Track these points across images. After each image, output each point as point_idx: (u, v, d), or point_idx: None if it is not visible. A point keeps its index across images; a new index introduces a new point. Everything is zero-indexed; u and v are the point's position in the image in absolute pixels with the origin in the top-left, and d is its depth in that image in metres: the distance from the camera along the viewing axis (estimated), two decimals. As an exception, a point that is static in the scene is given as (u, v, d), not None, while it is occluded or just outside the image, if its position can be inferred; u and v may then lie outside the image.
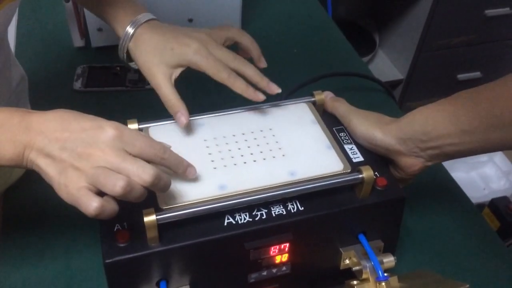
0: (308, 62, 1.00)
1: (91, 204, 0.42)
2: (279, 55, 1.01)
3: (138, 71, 0.96)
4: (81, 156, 0.42)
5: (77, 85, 0.90)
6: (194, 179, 0.51)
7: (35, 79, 0.90)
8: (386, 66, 1.69)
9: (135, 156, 0.44)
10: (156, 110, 0.59)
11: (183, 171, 0.49)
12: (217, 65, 0.56)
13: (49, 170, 0.43)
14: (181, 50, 0.57)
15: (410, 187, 0.75)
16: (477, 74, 1.69)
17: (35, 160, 0.43)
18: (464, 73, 1.68)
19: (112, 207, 0.43)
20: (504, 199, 1.38)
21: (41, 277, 0.62)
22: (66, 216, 0.67)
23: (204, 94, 0.84)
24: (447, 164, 0.83)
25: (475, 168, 1.69)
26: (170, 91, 0.57)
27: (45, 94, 0.88)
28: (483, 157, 1.70)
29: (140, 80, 0.92)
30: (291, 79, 0.82)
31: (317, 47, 1.05)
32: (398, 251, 0.66)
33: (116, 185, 0.41)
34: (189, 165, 0.50)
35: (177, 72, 0.59)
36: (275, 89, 0.58)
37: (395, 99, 0.94)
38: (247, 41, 0.62)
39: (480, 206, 1.47)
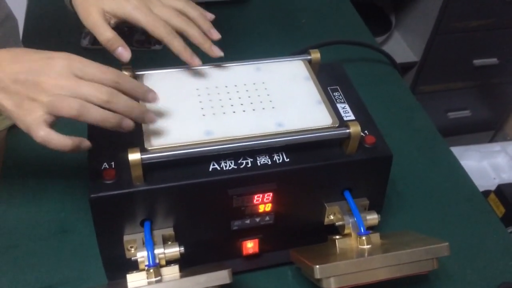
0: (315, 33, 1.00)
1: (38, 132, 0.43)
2: (287, 25, 1.01)
3: (145, 33, 0.97)
4: (35, 87, 0.44)
5: (85, 42, 0.91)
6: (182, 124, 0.52)
7: (45, 35, 0.92)
8: (400, 47, 1.66)
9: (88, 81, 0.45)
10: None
11: (142, 95, 0.49)
12: (156, 21, 0.54)
13: (5, 103, 0.44)
14: (120, 2, 0.54)
15: (414, 165, 0.74)
16: (493, 60, 1.66)
17: None
18: (481, 58, 1.64)
19: (59, 139, 0.44)
20: (511, 185, 1.36)
21: (36, 217, 0.64)
22: (64, 159, 0.69)
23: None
24: (458, 152, 0.82)
25: (487, 157, 1.66)
26: (107, 28, 0.54)
27: (52, 49, 0.90)
28: (496, 147, 1.67)
29: (146, 41, 0.93)
30: (297, 49, 0.82)
31: (326, 19, 1.05)
32: (388, 216, 0.67)
33: (71, 107, 0.43)
34: (149, 90, 0.50)
35: (113, 20, 0.55)
36: (218, 52, 0.56)
37: (399, 71, 0.93)
38: (193, 14, 0.58)
39: (487, 192, 1.45)
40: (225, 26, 0.98)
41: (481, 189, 0.76)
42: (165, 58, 0.58)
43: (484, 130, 1.92)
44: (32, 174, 0.69)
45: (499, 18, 1.56)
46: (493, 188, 1.48)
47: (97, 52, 0.90)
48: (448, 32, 1.55)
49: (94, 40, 0.92)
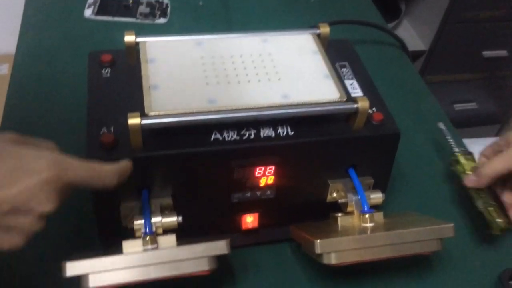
0: (325, 13, 0.98)
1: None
2: (296, 3, 0.99)
3: (150, 5, 0.95)
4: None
5: (88, 12, 0.89)
6: (184, 91, 0.51)
7: (48, 5, 0.90)
8: (409, 35, 1.64)
9: None
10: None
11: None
12: None
13: None
14: None
15: (420, 148, 0.73)
16: (503, 52, 1.63)
17: None
18: (490, 50, 1.62)
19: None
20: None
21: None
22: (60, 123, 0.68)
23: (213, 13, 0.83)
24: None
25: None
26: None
27: (55, 20, 0.88)
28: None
29: (151, 14, 0.91)
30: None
31: (336, 0, 1.03)
32: (392, 198, 0.66)
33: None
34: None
35: None
36: None
37: (409, 55, 0.91)
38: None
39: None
40: (233, 2, 0.97)
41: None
42: (169, 32, 0.57)
43: (491, 124, 1.89)
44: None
45: (510, 10, 1.53)
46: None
47: (99, 24, 0.89)
48: (458, 21, 1.53)
49: (98, 11, 0.90)
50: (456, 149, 0.66)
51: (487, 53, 1.62)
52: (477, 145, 1.66)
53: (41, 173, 0.37)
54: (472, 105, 1.77)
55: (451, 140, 0.68)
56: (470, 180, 0.61)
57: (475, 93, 1.76)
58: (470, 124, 1.83)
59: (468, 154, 0.65)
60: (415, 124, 0.78)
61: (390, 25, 1.61)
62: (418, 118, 0.79)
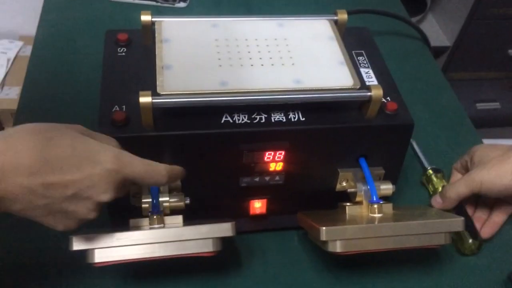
0: (347, 2, 0.96)
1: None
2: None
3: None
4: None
5: (110, -6, 0.90)
6: (197, 72, 0.51)
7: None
8: (433, 30, 1.61)
9: None
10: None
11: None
12: None
13: (37, 219, 0.40)
14: None
15: (436, 143, 0.72)
16: (530, 51, 1.59)
17: (12, 209, 0.39)
18: (517, 48, 1.58)
19: None
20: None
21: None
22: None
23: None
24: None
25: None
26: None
27: (76, 1, 0.89)
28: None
29: (171, -2, 0.91)
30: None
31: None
32: (402, 191, 0.65)
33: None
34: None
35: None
36: None
37: (430, 48, 0.89)
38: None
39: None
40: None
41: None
42: (191, 15, 0.57)
43: (513, 125, 1.85)
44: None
45: (540, 7, 1.49)
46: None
47: (120, 5, 0.89)
48: (485, 18, 1.49)
49: (120, -7, 0.90)
50: (427, 167, 0.66)
51: (513, 52, 1.58)
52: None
53: (105, 164, 0.40)
54: (495, 105, 1.73)
55: (422, 158, 0.68)
56: (436, 202, 0.61)
57: (498, 92, 1.72)
58: (492, 124, 1.79)
59: (438, 172, 0.66)
60: (432, 118, 0.76)
61: (415, 19, 1.58)
62: (436, 113, 0.77)
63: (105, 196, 0.41)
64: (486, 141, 0.73)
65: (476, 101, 1.71)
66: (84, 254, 0.45)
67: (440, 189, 0.63)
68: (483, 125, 1.78)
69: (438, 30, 1.62)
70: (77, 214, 0.41)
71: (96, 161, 0.40)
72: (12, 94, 1.39)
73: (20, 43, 1.51)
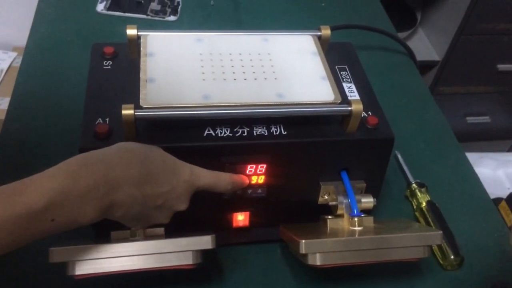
0: (334, 17, 0.98)
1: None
2: (306, 6, 1.00)
3: (161, 2, 0.96)
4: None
5: (100, 7, 0.91)
6: (180, 86, 0.51)
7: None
8: (423, 45, 1.63)
9: None
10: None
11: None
12: None
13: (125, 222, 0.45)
14: None
15: (420, 157, 0.72)
16: (518, 66, 1.61)
17: (114, 215, 0.43)
18: (505, 63, 1.59)
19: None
20: (523, 194, 1.32)
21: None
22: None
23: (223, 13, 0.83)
24: (473, 158, 0.79)
25: (503, 166, 1.61)
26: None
27: (67, 13, 0.90)
28: (514, 156, 1.62)
29: (161, 11, 0.92)
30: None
31: (347, 4, 1.03)
32: (385, 204, 0.65)
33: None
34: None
35: None
36: None
37: (416, 63, 0.90)
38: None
39: (498, 200, 1.41)
40: (245, 3, 0.98)
41: (492, 196, 0.73)
42: (178, 29, 0.58)
43: (503, 139, 1.87)
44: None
45: (528, 23, 1.51)
46: (505, 196, 1.44)
47: (111, 18, 0.90)
48: (474, 33, 1.51)
49: (110, 6, 0.91)
50: (412, 181, 0.67)
51: (502, 67, 1.60)
52: (487, 159, 1.63)
53: (185, 177, 0.46)
54: (485, 119, 1.74)
55: (407, 171, 0.69)
56: None
57: (488, 106, 1.73)
58: (481, 138, 1.80)
59: (422, 187, 0.66)
60: (416, 132, 0.77)
61: (405, 34, 1.60)
62: (420, 126, 0.78)
63: (183, 206, 0.47)
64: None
65: (466, 115, 1.73)
66: (65, 266, 0.45)
67: (423, 204, 0.64)
68: (473, 139, 1.79)
69: (428, 45, 1.64)
70: (156, 219, 0.46)
71: (178, 175, 0.45)
72: (4, 104, 1.39)
73: (13, 54, 1.51)
